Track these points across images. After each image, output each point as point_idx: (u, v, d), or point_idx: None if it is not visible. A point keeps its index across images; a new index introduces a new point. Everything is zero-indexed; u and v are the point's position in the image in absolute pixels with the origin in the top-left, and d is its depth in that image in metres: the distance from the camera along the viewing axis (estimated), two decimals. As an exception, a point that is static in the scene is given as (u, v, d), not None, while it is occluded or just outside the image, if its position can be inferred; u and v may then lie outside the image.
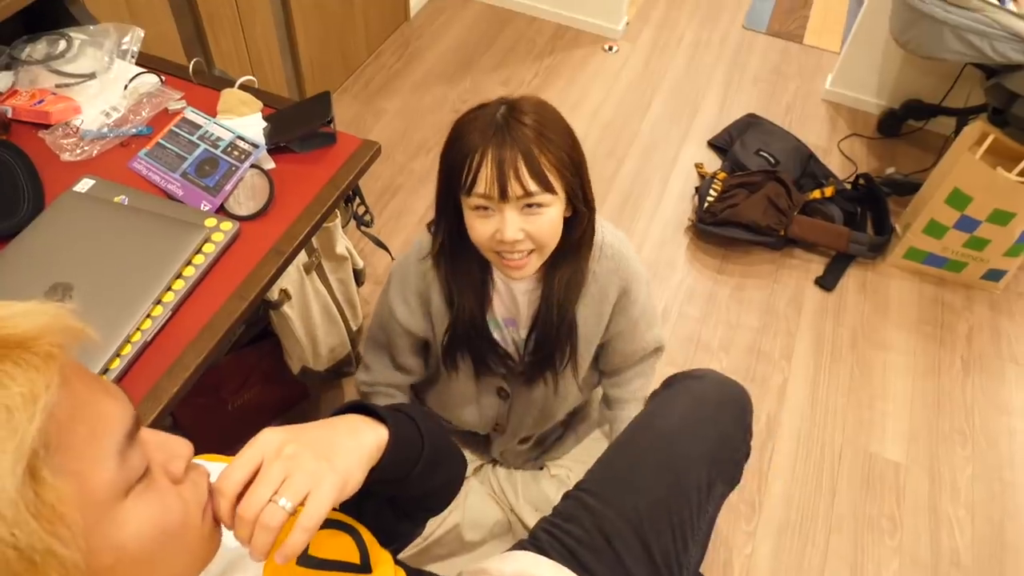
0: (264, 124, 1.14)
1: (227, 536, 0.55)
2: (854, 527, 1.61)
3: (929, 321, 2.02)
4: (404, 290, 1.15)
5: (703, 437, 0.99)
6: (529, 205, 0.93)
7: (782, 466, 1.70)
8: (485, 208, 0.94)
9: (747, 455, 1.07)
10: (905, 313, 2.03)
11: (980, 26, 1.71)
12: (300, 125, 1.12)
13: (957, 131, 2.07)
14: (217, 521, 0.53)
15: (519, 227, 0.93)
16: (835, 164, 2.39)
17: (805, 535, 1.59)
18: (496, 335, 1.15)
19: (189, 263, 0.96)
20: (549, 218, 0.95)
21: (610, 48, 2.78)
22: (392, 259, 1.60)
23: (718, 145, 2.41)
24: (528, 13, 2.89)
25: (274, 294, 1.25)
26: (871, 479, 1.69)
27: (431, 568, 1.30)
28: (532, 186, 0.91)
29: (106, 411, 0.44)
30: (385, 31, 2.68)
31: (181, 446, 0.51)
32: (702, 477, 0.96)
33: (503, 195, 0.91)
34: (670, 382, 1.10)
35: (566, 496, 1.01)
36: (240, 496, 0.53)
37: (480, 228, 0.95)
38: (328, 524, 0.68)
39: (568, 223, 1.02)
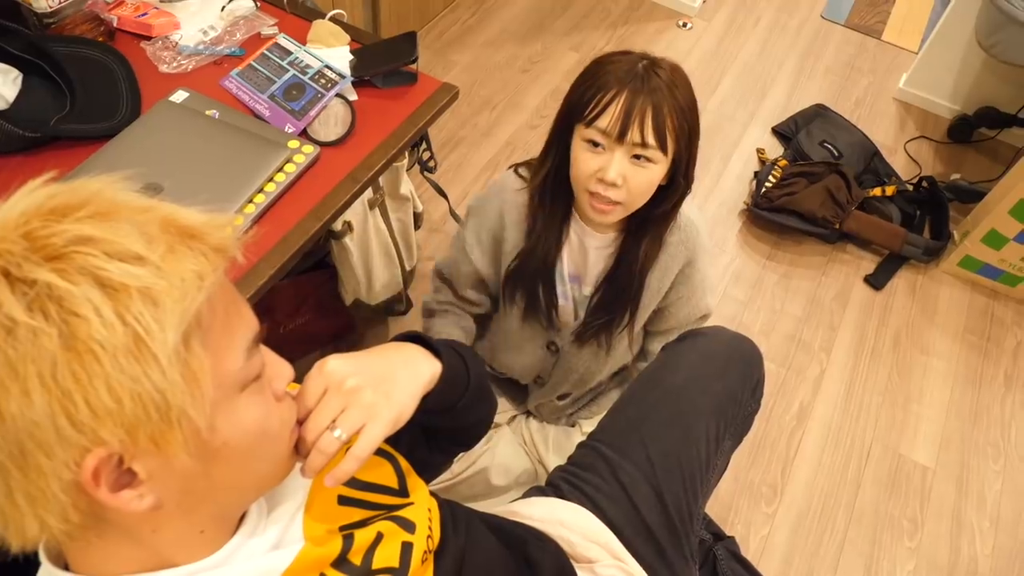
0: (351, 57, 1.18)
1: None
2: (874, 523, 1.62)
3: (976, 332, 1.99)
4: (479, 228, 1.19)
5: (710, 392, 1.02)
6: (638, 156, 0.97)
7: (809, 455, 1.71)
8: (597, 144, 0.98)
9: (756, 410, 1.10)
10: (952, 321, 2.01)
11: (1073, 35, 1.67)
12: (386, 61, 1.16)
13: (1032, 143, 2.02)
14: (294, 448, 0.58)
15: (621, 172, 0.97)
16: (899, 164, 2.35)
17: (824, 524, 1.61)
18: (558, 288, 1.18)
19: (271, 180, 1.01)
20: (649, 175, 0.99)
21: (684, 24, 2.75)
22: (450, 207, 1.64)
23: (782, 132, 2.38)
24: (604, -19, 2.86)
25: (338, 225, 1.30)
26: (897, 479, 1.70)
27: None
28: (651, 139, 0.95)
29: (242, 313, 0.51)
30: (461, -15, 2.69)
31: (286, 369, 0.56)
32: (711, 430, 0.99)
33: (621, 136, 0.95)
34: (681, 338, 1.12)
35: (581, 445, 1.05)
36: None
37: (585, 162, 0.99)
38: None
39: (659, 192, 1.05)
